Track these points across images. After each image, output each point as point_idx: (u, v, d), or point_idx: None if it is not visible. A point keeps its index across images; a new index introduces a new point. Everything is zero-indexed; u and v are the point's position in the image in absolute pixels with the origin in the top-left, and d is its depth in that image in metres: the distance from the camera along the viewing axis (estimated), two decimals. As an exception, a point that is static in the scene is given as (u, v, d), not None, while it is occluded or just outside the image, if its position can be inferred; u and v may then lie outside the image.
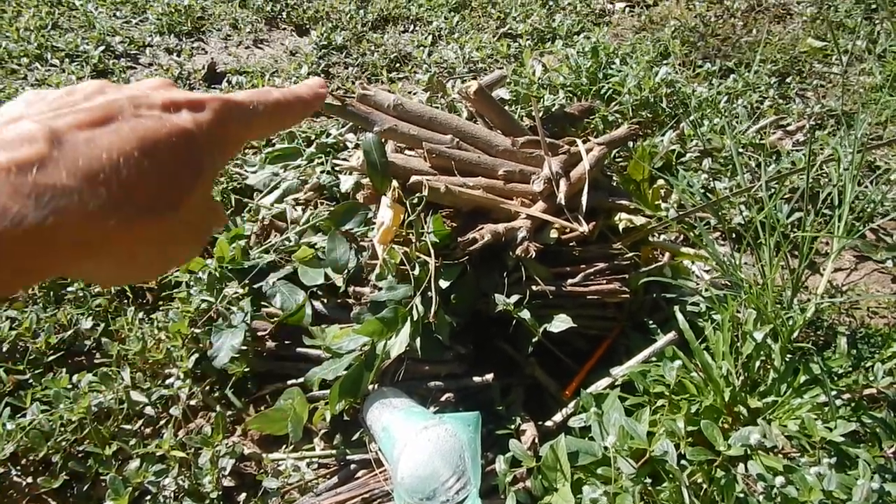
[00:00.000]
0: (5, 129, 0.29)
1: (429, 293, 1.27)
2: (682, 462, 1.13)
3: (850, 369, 1.36)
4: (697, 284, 1.56)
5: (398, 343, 1.24)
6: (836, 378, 1.32)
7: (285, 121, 0.44)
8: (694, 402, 1.24)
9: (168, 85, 0.38)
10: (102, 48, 2.58)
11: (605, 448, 1.10)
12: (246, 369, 1.41)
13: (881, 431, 1.20)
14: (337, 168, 1.78)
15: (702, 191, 1.85)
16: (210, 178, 0.37)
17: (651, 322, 1.48)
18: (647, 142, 2.07)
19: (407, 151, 1.60)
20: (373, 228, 1.42)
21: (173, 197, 0.33)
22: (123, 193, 0.30)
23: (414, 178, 1.37)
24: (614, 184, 1.71)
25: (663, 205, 1.78)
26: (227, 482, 1.26)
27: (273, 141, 2.13)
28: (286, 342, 1.45)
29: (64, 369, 1.42)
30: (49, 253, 0.28)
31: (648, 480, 1.07)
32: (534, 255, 1.34)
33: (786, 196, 1.84)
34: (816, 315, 1.56)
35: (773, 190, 1.82)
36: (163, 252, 0.35)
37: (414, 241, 1.33)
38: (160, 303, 1.62)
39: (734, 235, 1.80)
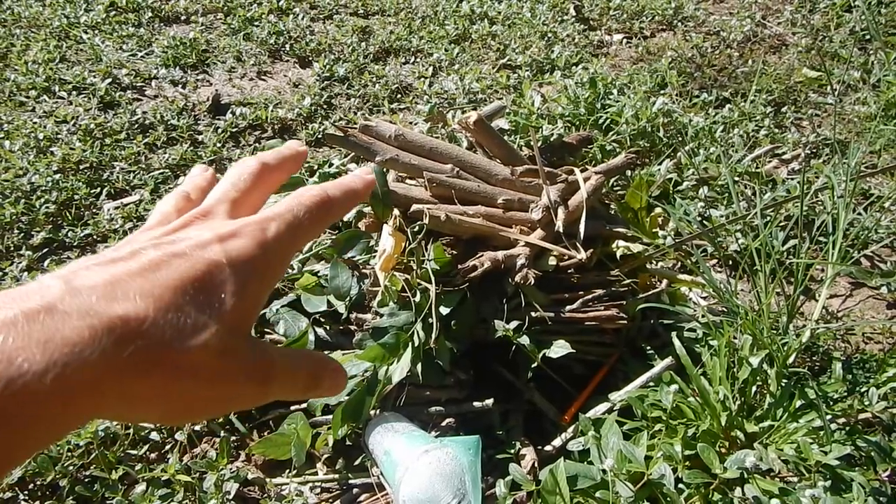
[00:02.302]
0: (30, 284, 0.29)
1: (430, 319, 1.30)
2: (680, 486, 1.15)
3: (846, 394, 1.38)
4: (694, 311, 1.59)
5: (400, 368, 1.27)
6: (831, 403, 1.33)
7: (333, 218, 0.40)
8: (691, 426, 1.26)
9: (202, 217, 0.36)
10: (109, 81, 2.64)
11: (604, 472, 1.12)
12: (250, 395, 1.43)
13: (876, 455, 1.22)
14: (340, 197, 1.81)
15: (698, 219, 1.89)
16: (252, 308, 0.33)
17: (648, 348, 1.50)
18: (645, 171, 2.10)
19: (408, 181, 1.63)
20: (374, 256, 1.45)
21: (209, 329, 0.31)
22: (142, 335, 0.28)
23: (415, 207, 1.41)
24: (612, 212, 1.74)
25: (660, 232, 1.81)
26: (230, 507, 1.28)
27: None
28: (289, 368, 1.47)
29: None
30: (72, 401, 0.26)
31: (646, 504, 1.09)
32: (533, 282, 1.37)
33: (781, 224, 1.87)
34: (812, 341, 1.59)
35: (768, 218, 1.85)
36: (216, 395, 0.32)
37: (415, 268, 1.36)
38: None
39: (730, 262, 1.83)
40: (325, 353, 1.41)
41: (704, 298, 1.71)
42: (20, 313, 0.26)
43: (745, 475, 1.16)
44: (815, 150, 2.30)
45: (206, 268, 0.32)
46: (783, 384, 1.34)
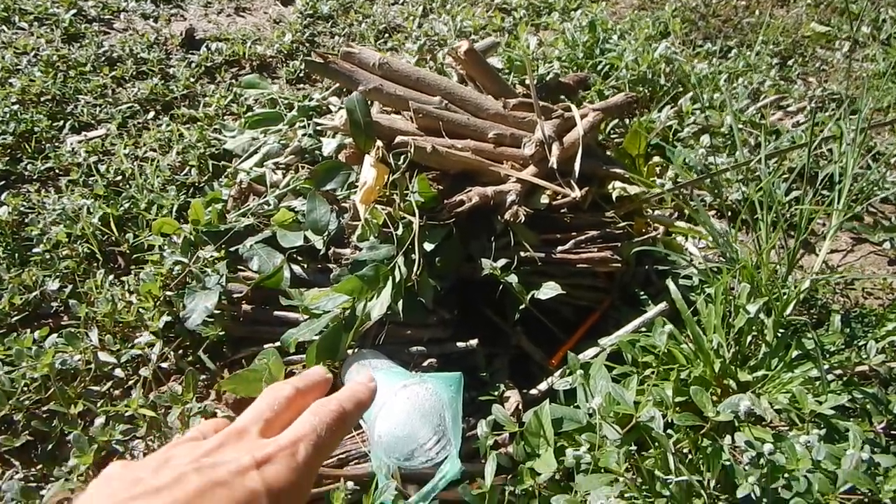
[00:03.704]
0: None
1: (412, 254, 1.22)
2: (669, 431, 1.09)
3: (843, 347, 1.32)
4: (691, 259, 1.52)
5: (379, 304, 1.20)
6: (828, 355, 1.28)
7: (348, 430, 0.47)
8: (683, 372, 1.20)
9: (237, 436, 0.39)
10: (74, 12, 2.50)
11: (591, 415, 1.06)
12: (221, 333, 1.37)
13: (872, 407, 1.17)
14: (319, 127, 1.72)
15: (699, 167, 1.81)
16: None
17: (642, 293, 1.44)
18: (644, 118, 2.02)
19: (393, 115, 1.55)
20: (355, 191, 1.37)
21: None
22: None
23: (399, 138, 1.32)
24: (609, 154, 1.66)
25: (658, 181, 1.73)
26: (198, 445, 1.22)
27: (252, 105, 2.07)
28: (264, 306, 1.40)
29: (28, 330, 1.36)
30: None
31: (633, 447, 1.03)
32: (523, 220, 1.30)
33: (784, 176, 1.80)
34: (810, 293, 1.53)
35: (771, 166, 1.78)
36: None
37: (398, 201, 1.29)
38: (132, 267, 1.57)
39: (730, 213, 1.75)
40: (302, 290, 1.34)
41: (701, 249, 1.64)
42: None
43: (737, 423, 1.11)
44: (821, 105, 2.22)
45: (245, 498, 0.34)
46: (780, 334, 1.28)
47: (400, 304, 1.22)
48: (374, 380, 0.49)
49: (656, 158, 1.81)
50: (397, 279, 1.21)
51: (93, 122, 2.04)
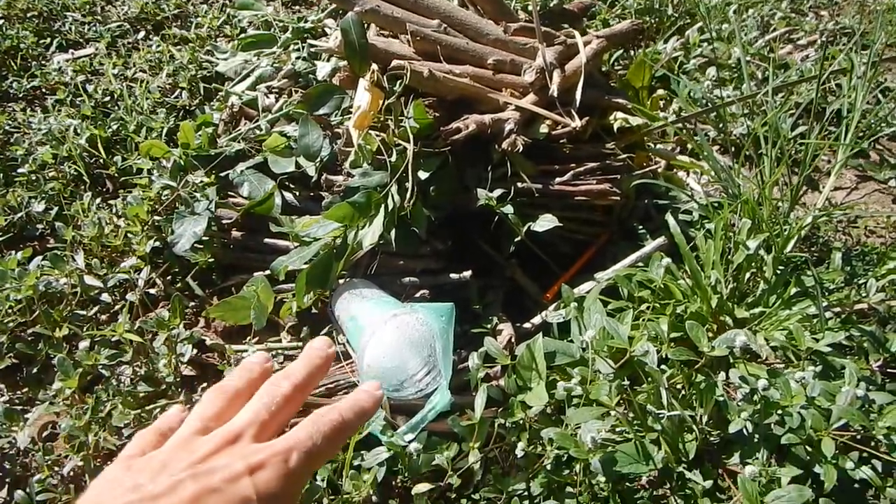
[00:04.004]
0: None
1: (406, 183, 1.19)
2: (663, 366, 1.08)
3: (843, 285, 1.30)
4: (692, 195, 1.49)
5: (371, 233, 1.17)
6: (827, 293, 1.26)
7: (346, 439, 0.45)
8: (679, 307, 1.18)
9: (232, 441, 0.40)
10: None
11: (584, 349, 1.05)
12: (210, 259, 1.34)
13: (869, 345, 1.15)
14: (314, 50, 1.66)
15: (704, 101, 1.75)
16: None
17: (641, 227, 1.41)
18: (650, 48, 1.95)
19: (390, 38, 1.48)
20: (349, 116, 1.32)
21: None
22: None
23: (395, 62, 1.26)
24: (612, 85, 1.61)
25: (662, 114, 1.68)
26: (187, 371, 1.21)
27: (246, 27, 2.00)
28: (254, 233, 1.37)
29: (13, 251, 1.33)
30: None
31: (627, 382, 1.02)
32: (521, 150, 1.25)
33: (791, 112, 1.75)
34: (812, 230, 1.50)
35: (778, 101, 1.73)
36: None
37: (392, 126, 1.24)
38: (120, 190, 1.53)
39: (734, 149, 1.71)
40: (293, 217, 1.30)
41: (703, 184, 1.60)
42: None
43: (732, 359, 1.10)
44: (832, 39, 2.15)
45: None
46: (779, 271, 1.26)
47: (393, 233, 1.19)
48: (381, 388, 0.48)
49: (661, 91, 1.75)
50: (390, 207, 1.18)
51: (81, 40, 1.97)
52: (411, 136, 1.20)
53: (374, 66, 1.28)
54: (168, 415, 0.47)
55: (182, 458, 0.39)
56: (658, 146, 1.66)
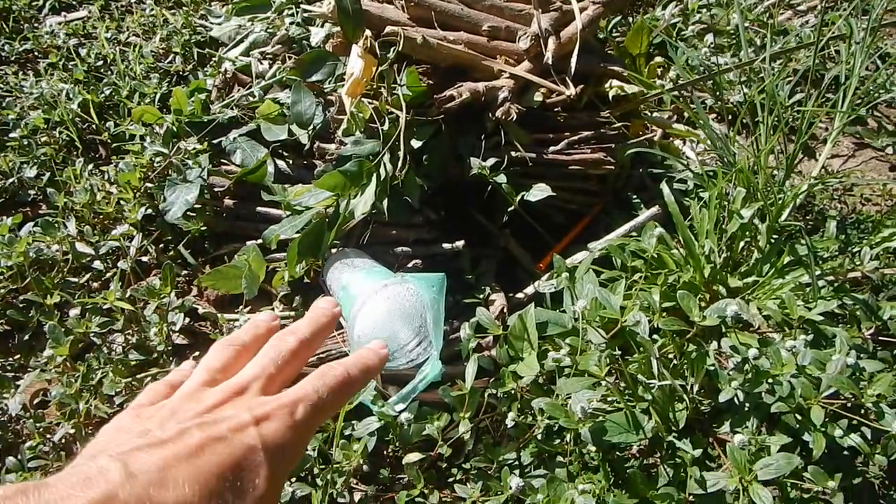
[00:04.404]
0: (86, 465, 0.32)
1: (398, 151, 1.18)
2: (654, 336, 1.08)
3: (837, 253, 1.30)
4: (688, 163, 1.48)
5: (363, 202, 1.16)
6: (821, 261, 1.26)
7: (352, 395, 0.47)
8: (672, 276, 1.18)
9: (238, 392, 0.41)
10: None
11: (576, 319, 1.05)
12: (202, 228, 1.33)
13: (861, 313, 1.15)
14: (308, 15, 1.63)
15: (701, 68, 1.73)
16: (279, 485, 0.38)
17: (635, 197, 1.40)
18: (648, 15, 1.92)
19: (384, 4, 1.46)
20: (343, 84, 1.31)
21: None
22: None
23: (389, 29, 1.24)
24: (609, 52, 1.59)
25: (660, 82, 1.66)
26: (179, 340, 1.21)
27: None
28: (247, 202, 1.36)
29: (5, 217, 1.33)
30: None
31: (618, 352, 1.02)
32: (515, 118, 1.24)
33: (788, 79, 1.73)
34: (807, 199, 1.50)
35: (776, 68, 1.71)
36: None
37: (385, 94, 1.22)
38: (113, 156, 1.52)
39: (731, 117, 1.69)
40: (286, 186, 1.29)
41: (699, 153, 1.59)
42: None
43: (724, 329, 1.10)
44: (832, 4, 2.11)
45: (243, 453, 0.36)
46: (773, 240, 1.26)
47: (385, 202, 1.18)
48: (386, 347, 0.48)
49: (658, 58, 1.73)
50: (382, 177, 1.17)
51: (74, 2, 1.94)
52: (404, 104, 1.18)
53: (368, 33, 1.26)
54: (179, 370, 0.47)
55: (190, 408, 0.39)
56: (655, 114, 1.65)
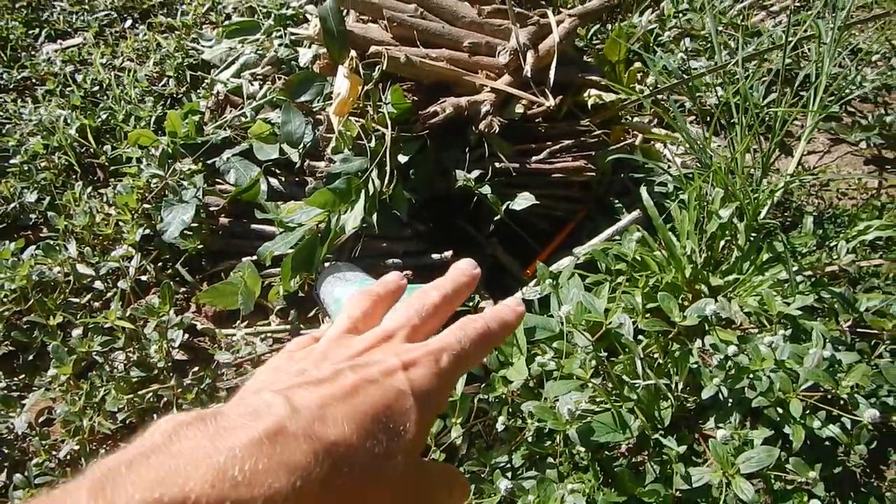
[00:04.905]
0: (252, 398, 0.33)
1: (385, 167, 1.22)
2: (639, 337, 1.12)
3: (815, 248, 1.34)
4: (668, 166, 1.52)
5: (353, 217, 1.20)
6: (799, 257, 1.30)
7: (491, 349, 0.46)
8: (653, 278, 1.22)
9: (385, 339, 0.41)
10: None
11: (563, 322, 1.08)
12: (199, 246, 1.37)
13: (839, 306, 1.19)
14: (294, 37, 1.67)
15: (678, 71, 1.78)
16: (426, 431, 0.38)
17: (617, 202, 1.44)
18: (625, 22, 1.97)
19: (369, 24, 1.50)
20: (331, 103, 1.35)
21: (396, 457, 0.35)
22: (349, 461, 0.33)
23: (373, 49, 1.29)
24: (587, 61, 1.63)
25: (639, 87, 1.71)
26: (179, 356, 1.24)
27: (231, 14, 2.01)
28: (241, 220, 1.40)
29: (7, 241, 1.37)
30: None
31: (604, 354, 1.06)
32: (497, 131, 1.28)
33: (763, 79, 1.78)
34: (785, 196, 1.54)
35: (750, 69, 1.75)
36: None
37: (371, 112, 1.27)
38: (111, 179, 1.56)
39: (708, 119, 1.74)
40: (278, 203, 1.33)
41: (678, 155, 1.63)
42: (262, 434, 0.30)
43: (707, 327, 1.14)
44: (805, 3, 2.16)
45: (394, 396, 0.36)
46: (752, 238, 1.30)
47: (374, 216, 1.22)
48: (522, 304, 0.48)
49: (637, 64, 1.78)
50: (371, 192, 1.21)
51: (69, 29, 1.98)
52: (389, 122, 1.23)
53: (353, 53, 1.31)
54: (322, 328, 0.48)
55: (340, 353, 0.40)
56: (635, 119, 1.69)
